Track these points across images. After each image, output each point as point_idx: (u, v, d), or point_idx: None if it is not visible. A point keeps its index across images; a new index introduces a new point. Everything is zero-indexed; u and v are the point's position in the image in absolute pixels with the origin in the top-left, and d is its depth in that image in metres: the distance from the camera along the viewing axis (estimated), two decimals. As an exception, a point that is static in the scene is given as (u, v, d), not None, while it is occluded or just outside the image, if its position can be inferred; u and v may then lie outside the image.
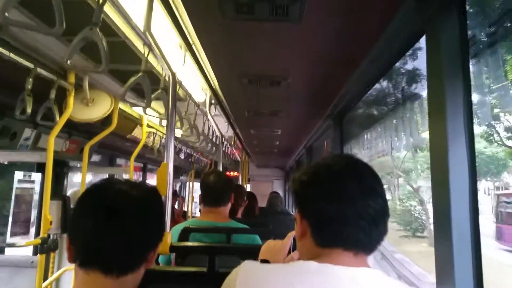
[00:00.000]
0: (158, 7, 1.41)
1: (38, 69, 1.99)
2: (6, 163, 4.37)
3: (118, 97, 2.85)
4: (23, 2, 1.53)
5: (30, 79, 1.92)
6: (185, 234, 1.91)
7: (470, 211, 1.06)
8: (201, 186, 2.15)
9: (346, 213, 0.79)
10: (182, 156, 6.13)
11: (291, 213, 5.11)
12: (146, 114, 2.49)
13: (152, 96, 1.86)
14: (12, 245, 3.17)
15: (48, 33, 1.16)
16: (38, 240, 2.57)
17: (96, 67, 1.44)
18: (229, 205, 2.09)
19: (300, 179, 0.88)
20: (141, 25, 1.45)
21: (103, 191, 0.90)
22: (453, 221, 1.06)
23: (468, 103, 1.09)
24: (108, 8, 1.44)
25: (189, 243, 1.90)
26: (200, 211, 7.01)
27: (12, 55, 1.80)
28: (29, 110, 1.92)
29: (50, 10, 1.29)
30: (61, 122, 2.31)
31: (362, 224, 0.79)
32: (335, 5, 1.38)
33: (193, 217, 7.08)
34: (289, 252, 1.28)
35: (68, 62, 1.33)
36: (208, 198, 2.08)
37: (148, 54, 1.71)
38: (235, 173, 8.37)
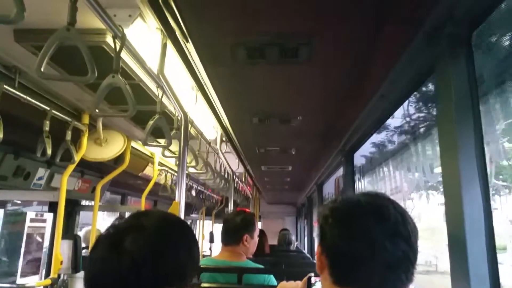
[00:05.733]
0: (171, 51, 1.47)
1: (54, 111, 2.05)
2: (19, 202, 4.41)
3: (130, 136, 2.90)
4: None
5: (47, 122, 1.98)
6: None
7: (487, 247, 1.03)
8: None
9: (360, 253, 0.76)
10: (193, 193, 6.12)
11: (303, 251, 5.00)
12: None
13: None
14: (22, 286, 3.15)
15: (81, 82, 1.19)
16: (49, 281, 2.55)
17: (123, 113, 1.49)
18: (243, 245, 2.06)
19: (323, 213, 0.87)
20: (155, 69, 1.51)
21: (112, 228, 0.87)
22: (469, 258, 1.03)
23: (480, 141, 1.08)
24: (123, 53, 1.50)
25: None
26: (210, 249, 6.93)
27: (28, 98, 1.86)
28: (49, 151, 1.97)
29: (67, 57, 1.35)
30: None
31: (376, 267, 0.75)
32: (344, 45, 1.41)
33: (203, 256, 6.96)
34: None
35: (97, 110, 1.38)
36: (221, 236, 2.11)
37: (162, 96, 1.75)
38: (247, 210, 8.28)
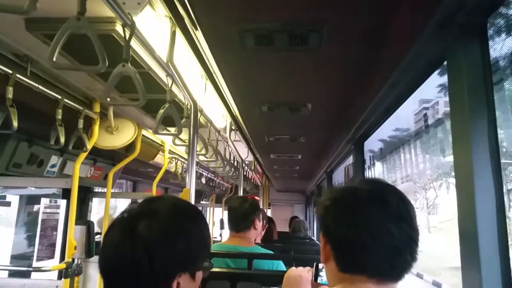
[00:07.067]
0: (180, 39, 1.47)
1: (65, 100, 2.07)
2: (33, 188, 4.50)
3: (141, 124, 2.92)
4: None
5: (60, 110, 2.00)
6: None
7: (499, 238, 1.02)
8: (227, 211, 2.20)
9: (366, 239, 0.77)
10: (203, 180, 6.17)
11: (313, 239, 5.03)
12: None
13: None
14: (38, 269, 3.22)
15: (92, 71, 1.18)
16: (63, 265, 2.62)
17: (133, 101, 1.50)
18: (254, 229, 2.10)
19: (323, 204, 0.87)
20: (164, 57, 1.51)
21: (124, 212, 0.89)
22: (481, 248, 1.02)
23: (493, 130, 1.07)
24: (133, 42, 1.51)
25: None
26: (220, 235, 7.02)
27: (40, 87, 1.88)
28: (62, 139, 2.00)
29: (78, 45, 1.36)
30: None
31: (384, 252, 0.77)
32: (355, 32, 1.39)
33: (214, 242, 7.05)
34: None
35: (108, 99, 1.39)
36: (231, 223, 2.13)
37: (171, 85, 1.76)
38: (256, 198, 8.34)
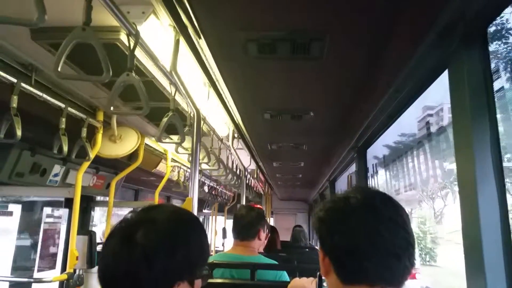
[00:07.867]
0: (183, 48, 1.48)
1: (69, 108, 2.08)
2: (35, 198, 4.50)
3: (144, 132, 2.93)
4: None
5: (63, 119, 2.01)
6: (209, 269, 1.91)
7: (503, 246, 1.02)
8: (233, 219, 2.19)
9: (362, 248, 0.78)
10: (205, 189, 6.16)
11: (316, 247, 5.00)
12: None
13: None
14: (39, 280, 3.21)
15: (96, 81, 1.19)
16: (65, 276, 2.60)
17: (137, 110, 1.51)
18: (258, 239, 2.09)
19: (318, 216, 0.88)
20: (168, 66, 1.52)
21: (123, 222, 0.89)
22: (485, 257, 1.02)
23: (496, 137, 1.07)
24: (137, 50, 1.52)
25: (213, 280, 1.87)
26: (223, 245, 6.95)
27: (45, 96, 1.90)
28: (65, 148, 2.00)
29: (82, 55, 1.37)
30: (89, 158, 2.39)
31: (381, 258, 0.77)
32: (357, 40, 1.40)
33: (216, 251, 7.02)
34: None
35: (112, 108, 1.40)
36: (236, 231, 2.12)
37: (175, 93, 1.77)
38: (259, 206, 8.30)
